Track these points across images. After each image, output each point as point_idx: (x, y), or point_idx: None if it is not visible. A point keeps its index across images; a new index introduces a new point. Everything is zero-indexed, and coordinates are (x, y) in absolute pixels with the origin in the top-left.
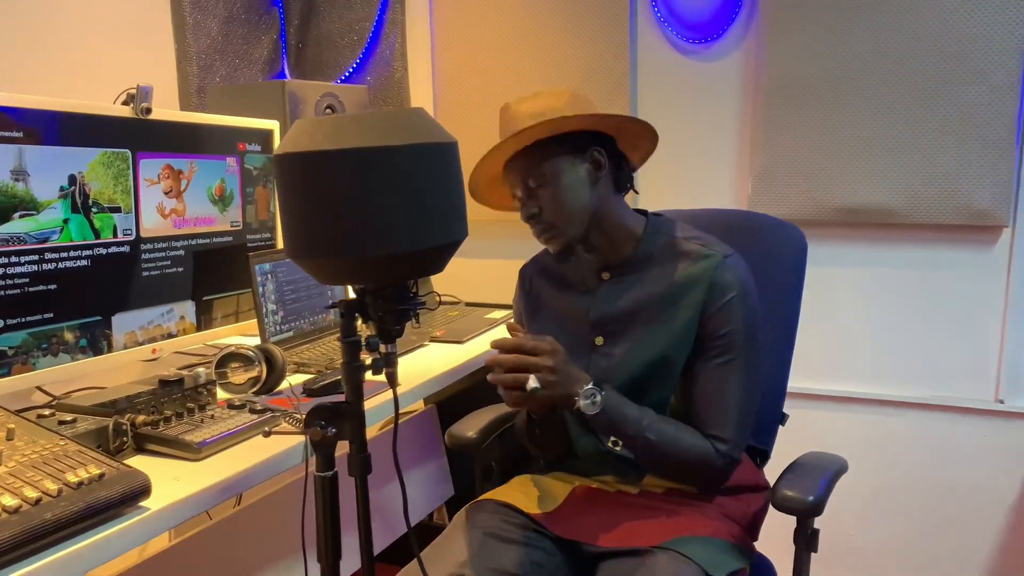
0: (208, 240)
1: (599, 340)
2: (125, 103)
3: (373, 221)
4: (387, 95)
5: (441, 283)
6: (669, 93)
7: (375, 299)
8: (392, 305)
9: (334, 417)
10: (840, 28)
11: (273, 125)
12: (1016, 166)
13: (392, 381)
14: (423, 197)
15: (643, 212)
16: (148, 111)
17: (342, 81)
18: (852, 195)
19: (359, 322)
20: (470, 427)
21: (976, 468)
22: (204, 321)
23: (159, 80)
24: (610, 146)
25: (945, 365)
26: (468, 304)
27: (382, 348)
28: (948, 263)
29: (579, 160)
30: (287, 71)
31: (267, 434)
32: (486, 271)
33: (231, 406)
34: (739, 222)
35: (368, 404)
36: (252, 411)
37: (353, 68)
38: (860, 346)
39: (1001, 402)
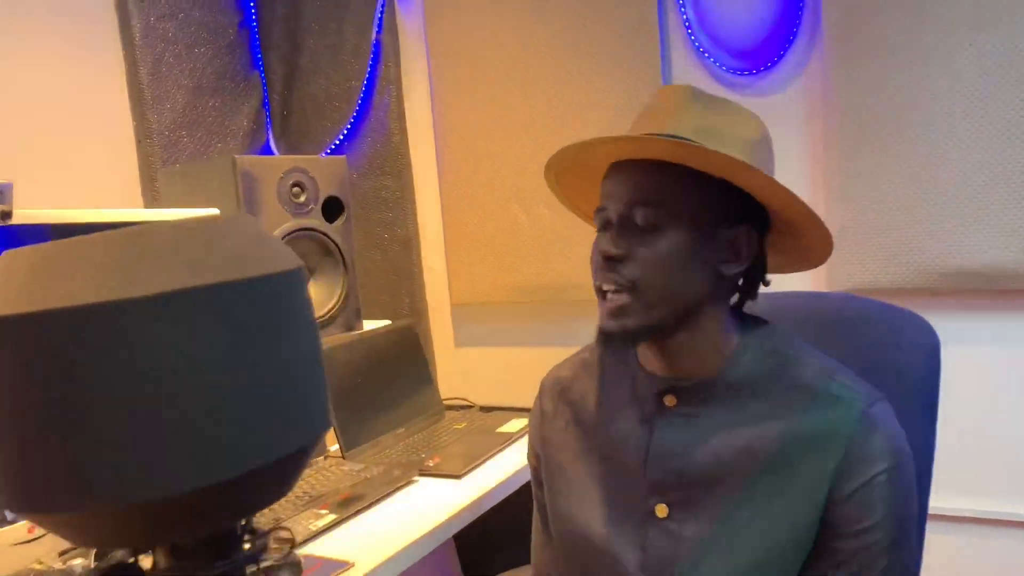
0: None
1: (661, 509)
2: None
3: (118, 446)
4: (384, 164)
5: (448, 381)
6: None
7: (172, 560)
8: (197, 569)
9: None
10: (931, 46)
11: (208, 214)
12: None
13: None
14: (224, 389)
15: (738, 313)
16: (7, 215)
17: (332, 151)
18: (962, 255)
19: None
20: None
21: None
22: None
23: (118, 163)
24: (759, 234)
25: None
26: (483, 409)
27: None
28: None
29: (721, 228)
30: (272, 143)
31: None
32: (512, 362)
33: None
34: (832, 313)
35: None
36: None
37: (344, 135)
38: (986, 450)
39: None
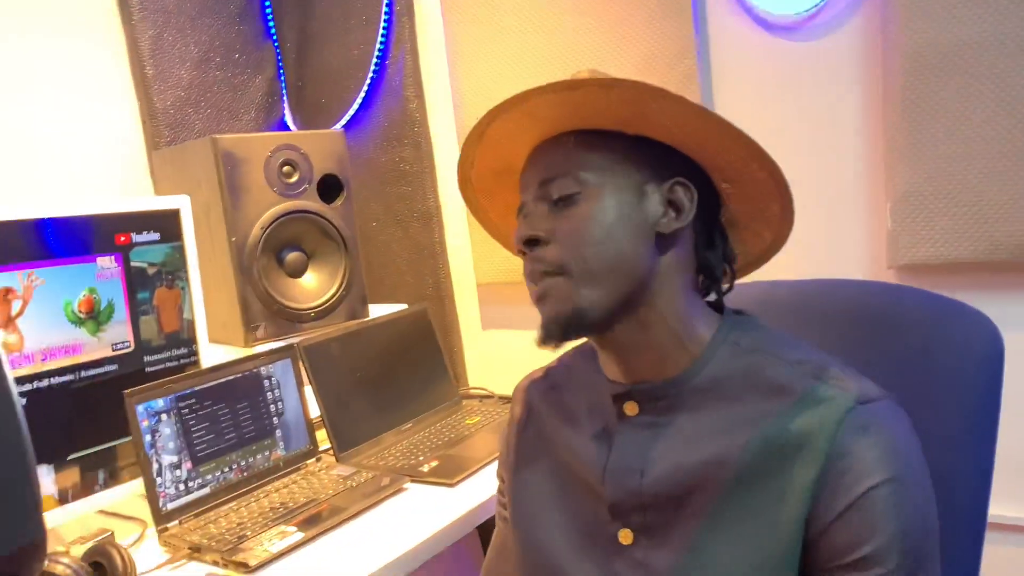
0: (73, 376)
1: (624, 535)
2: None
3: None
4: (401, 134)
5: (475, 366)
6: (756, 90)
7: None
8: None
9: None
10: None
11: (178, 202)
12: None
13: None
14: None
15: (715, 305)
16: None
17: (348, 123)
18: None
19: None
20: None
21: None
22: (81, 487)
23: (125, 146)
24: (710, 200)
25: None
26: (503, 399)
27: None
28: None
29: (650, 186)
30: (287, 117)
31: None
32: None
33: None
34: (865, 306)
35: None
36: None
37: (360, 104)
38: None
39: None
